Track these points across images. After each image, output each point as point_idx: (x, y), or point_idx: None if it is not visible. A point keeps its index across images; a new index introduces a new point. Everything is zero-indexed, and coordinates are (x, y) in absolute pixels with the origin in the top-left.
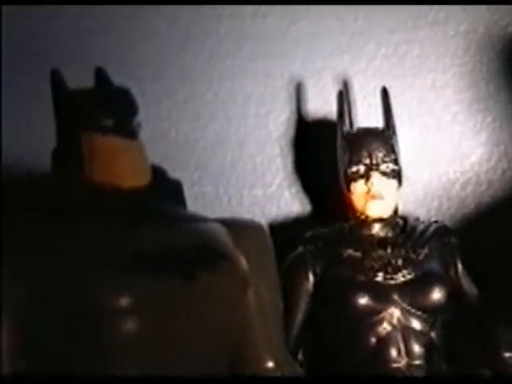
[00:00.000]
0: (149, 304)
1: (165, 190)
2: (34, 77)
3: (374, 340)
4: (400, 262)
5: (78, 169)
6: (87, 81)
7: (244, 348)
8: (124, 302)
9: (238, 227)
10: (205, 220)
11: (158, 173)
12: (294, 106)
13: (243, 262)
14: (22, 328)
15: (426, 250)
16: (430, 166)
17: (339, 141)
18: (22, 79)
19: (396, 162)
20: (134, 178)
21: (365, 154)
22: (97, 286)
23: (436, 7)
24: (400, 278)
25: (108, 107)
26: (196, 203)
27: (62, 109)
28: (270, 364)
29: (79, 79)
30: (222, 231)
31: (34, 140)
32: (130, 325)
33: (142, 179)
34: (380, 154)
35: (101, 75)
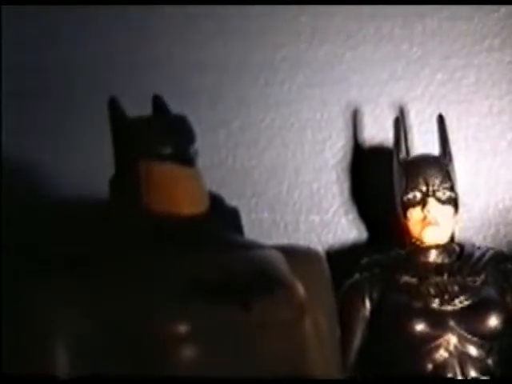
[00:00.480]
0: (206, 331)
1: (222, 216)
2: (92, 104)
3: (430, 366)
4: (456, 288)
5: (136, 196)
6: (145, 109)
7: (300, 375)
8: (182, 328)
9: (295, 254)
10: (262, 247)
11: (215, 200)
12: (350, 133)
13: (300, 289)
14: (84, 355)
15: (482, 277)
16: (486, 192)
17: (396, 167)
18: (80, 106)
19: (452, 188)
20: (191, 205)
21: (421, 180)
22: (155, 312)
23: (491, 33)
24: (456, 304)
25: (166, 135)
26: (253, 230)
27: (120, 136)
28: None
29: (137, 107)
30: (279, 258)
31: (92, 167)
32: (187, 351)
33: (200, 206)
34: (436, 181)
35: (158, 103)
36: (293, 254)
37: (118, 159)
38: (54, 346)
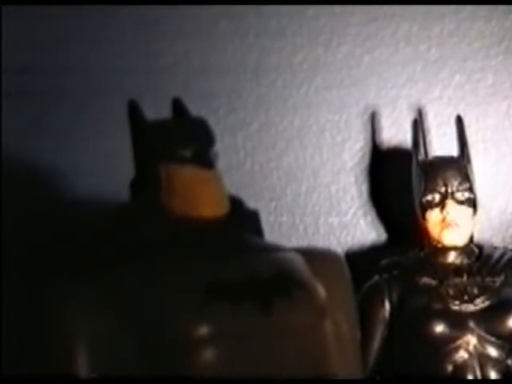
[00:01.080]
0: (228, 333)
1: (243, 219)
2: (108, 106)
3: (450, 367)
4: (476, 289)
5: (157, 199)
6: (162, 111)
7: (322, 376)
8: (203, 330)
9: (315, 256)
10: (283, 249)
11: (235, 202)
12: (368, 135)
13: (321, 291)
14: (107, 357)
15: (501, 278)
16: (505, 193)
17: (414, 169)
18: (96, 107)
19: (471, 190)
20: (212, 208)
21: (440, 182)
22: (177, 315)
23: (508, 36)
24: (476, 305)
25: (186, 138)
26: (272, 232)
27: (141, 139)
28: None
29: (155, 110)
30: (299, 260)
31: (107, 168)
32: (208, 353)
33: (220, 209)
34: (455, 183)
35: (178, 106)
36: (313, 256)
37: (138, 162)
38: (75, 346)
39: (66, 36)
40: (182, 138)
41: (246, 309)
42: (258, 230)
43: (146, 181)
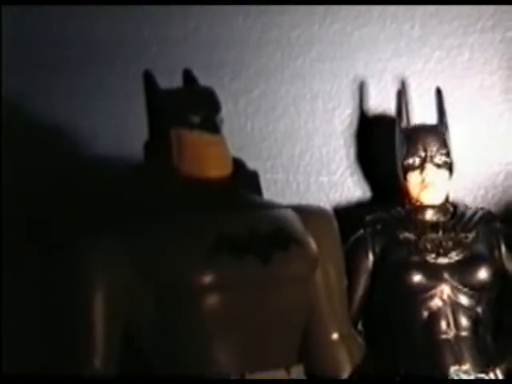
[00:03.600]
0: (231, 282)
1: (245, 179)
2: (126, 78)
3: (426, 314)
4: (450, 244)
5: (168, 160)
6: (173, 79)
7: (313, 321)
8: (208, 279)
9: (308, 213)
10: (279, 206)
11: (238, 164)
12: (357, 103)
13: (313, 245)
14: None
15: (473, 234)
16: (477, 158)
17: (397, 135)
18: (114, 80)
19: (448, 154)
20: (218, 169)
21: (420, 147)
22: (185, 265)
23: (484, 16)
24: (450, 258)
25: (195, 105)
26: (268, 189)
27: (154, 106)
28: (335, 336)
29: (166, 78)
30: (294, 217)
31: (124, 132)
32: (212, 300)
33: (225, 170)
34: (434, 148)
35: (188, 76)
36: (306, 212)
37: (151, 127)
38: (95, 293)
39: (91, 13)
40: (192, 106)
41: (247, 260)
42: (257, 188)
43: (158, 144)
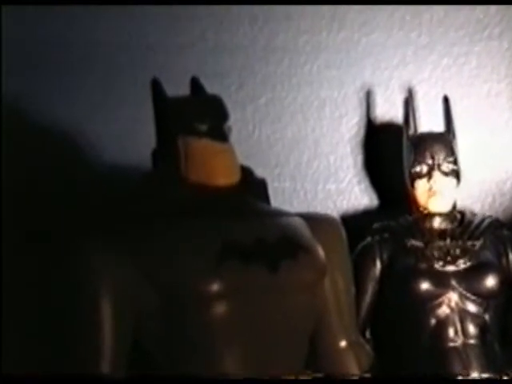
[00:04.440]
0: (237, 290)
1: (252, 187)
2: (131, 84)
3: (433, 321)
4: (458, 251)
5: (176, 169)
6: (181, 87)
7: (320, 329)
8: (215, 287)
9: (316, 221)
10: (287, 214)
11: (246, 172)
12: (364, 111)
13: (321, 253)
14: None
15: (481, 241)
16: (484, 166)
17: (405, 143)
18: (118, 85)
19: (455, 162)
20: (226, 177)
21: (428, 155)
22: (192, 271)
23: (491, 24)
24: (458, 266)
25: (203, 113)
26: (276, 197)
27: (162, 114)
28: (343, 343)
29: (173, 85)
30: (302, 224)
31: (130, 139)
32: (220, 308)
33: (233, 178)
34: (441, 156)
35: (196, 84)
36: (314, 220)
37: (159, 135)
38: (101, 296)
39: (95, 15)
40: (200, 114)
41: (255, 268)
42: (265, 196)
43: (167, 152)
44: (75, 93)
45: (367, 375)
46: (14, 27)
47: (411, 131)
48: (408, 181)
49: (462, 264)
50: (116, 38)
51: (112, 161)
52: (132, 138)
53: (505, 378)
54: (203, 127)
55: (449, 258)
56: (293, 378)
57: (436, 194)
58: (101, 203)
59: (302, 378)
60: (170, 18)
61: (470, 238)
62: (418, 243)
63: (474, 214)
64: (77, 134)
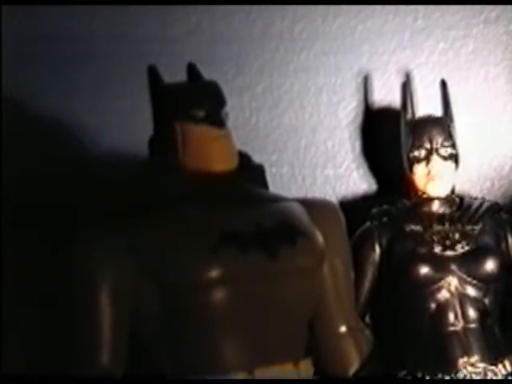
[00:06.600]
0: (237, 275)
1: (250, 173)
2: (128, 75)
3: (433, 306)
4: (457, 235)
5: (174, 155)
6: (178, 75)
7: (320, 314)
8: (214, 273)
9: (314, 206)
10: (286, 200)
11: (244, 158)
12: (361, 96)
13: (320, 238)
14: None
15: (480, 226)
16: (482, 149)
17: (403, 127)
18: (116, 77)
19: (454, 146)
20: (223, 163)
21: (426, 139)
22: (190, 259)
23: (488, 8)
24: (457, 250)
25: (200, 99)
26: (274, 183)
27: (159, 101)
28: (343, 328)
29: (170, 73)
30: (300, 210)
31: (129, 127)
32: (219, 294)
33: (231, 164)
34: (439, 140)
35: (193, 71)
36: (312, 206)
37: (156, 121)
38: (100, 291)
39: (91, 11)
40: (197, 100)
41: (253, 254)
42: (263, 182)
43: (164, 138)
44: (73, 84)
45: (366, 376)
46: (11, 20)
47: (409, 116)
48: (406, 165)
49: (461, 248)
50: (113, 29)
51: (111, 151)
52: (130, 129)
53: (500, 365)
54: (200, 113)
55: (448, 243)
56: (291, 365)
57: (434, 179)
58: (98, 195)
59: (301, 365)
60: (166, 8)
61: (469, 222)
62: (416, 228)
63: (472, 198)
64: (75, 125)
